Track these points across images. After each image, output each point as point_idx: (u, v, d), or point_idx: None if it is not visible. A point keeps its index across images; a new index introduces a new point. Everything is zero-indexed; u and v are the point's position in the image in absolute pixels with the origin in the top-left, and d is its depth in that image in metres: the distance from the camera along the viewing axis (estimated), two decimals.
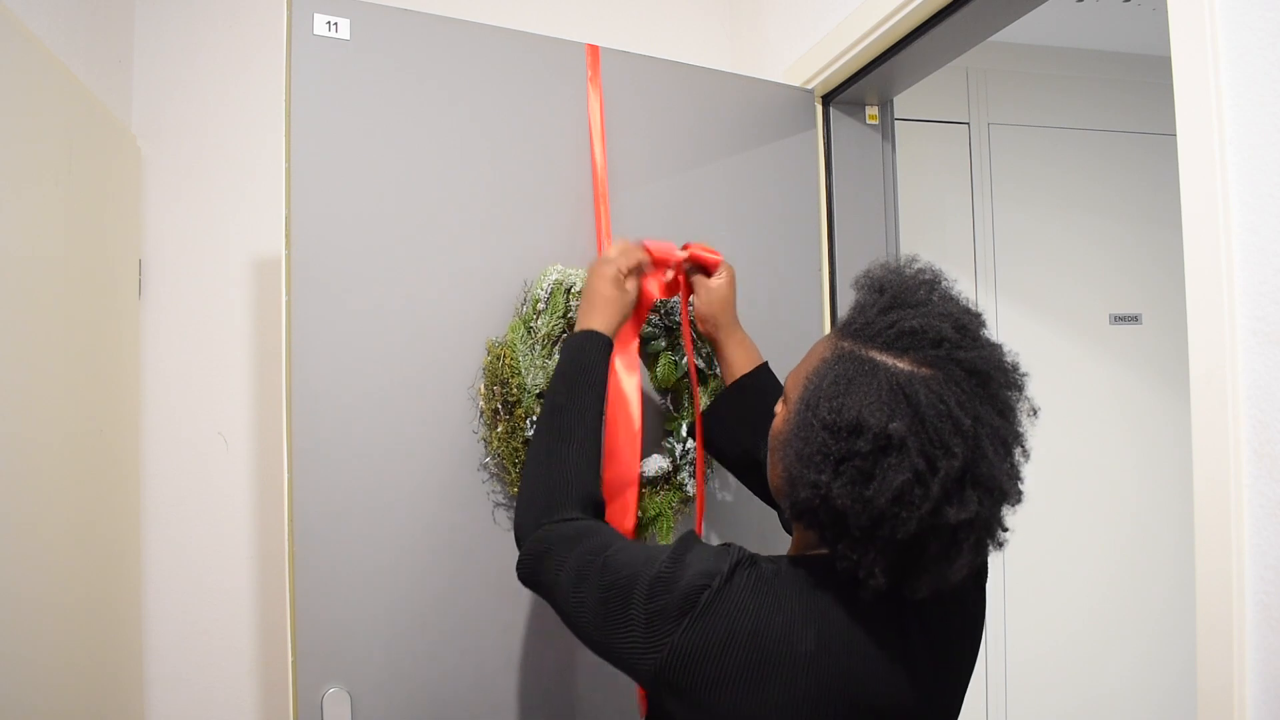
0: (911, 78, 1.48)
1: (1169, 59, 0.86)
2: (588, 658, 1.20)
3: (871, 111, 1.57)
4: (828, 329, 1.49)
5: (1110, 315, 2.29)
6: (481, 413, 1.16)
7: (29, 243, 1.14)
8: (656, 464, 1.22)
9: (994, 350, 0.70)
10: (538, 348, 1.15)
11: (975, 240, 2.19)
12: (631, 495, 1.14)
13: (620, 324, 1.04)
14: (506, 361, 1.14)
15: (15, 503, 1.08)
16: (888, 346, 0.69)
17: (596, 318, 1.02)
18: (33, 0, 1.22)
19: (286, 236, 1.07)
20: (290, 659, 1.04)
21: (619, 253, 1.06)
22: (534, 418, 1.14)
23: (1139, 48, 2.32)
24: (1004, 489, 0.65)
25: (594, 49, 1.29)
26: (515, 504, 0.94)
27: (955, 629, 0.77)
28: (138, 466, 1.57)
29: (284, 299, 1.07)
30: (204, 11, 1.65)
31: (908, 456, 0.63)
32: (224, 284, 1.64)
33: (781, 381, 1.03)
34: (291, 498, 1.06)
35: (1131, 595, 2.26)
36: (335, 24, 1.11)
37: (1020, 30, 1.73)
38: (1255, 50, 0.78)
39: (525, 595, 1.18)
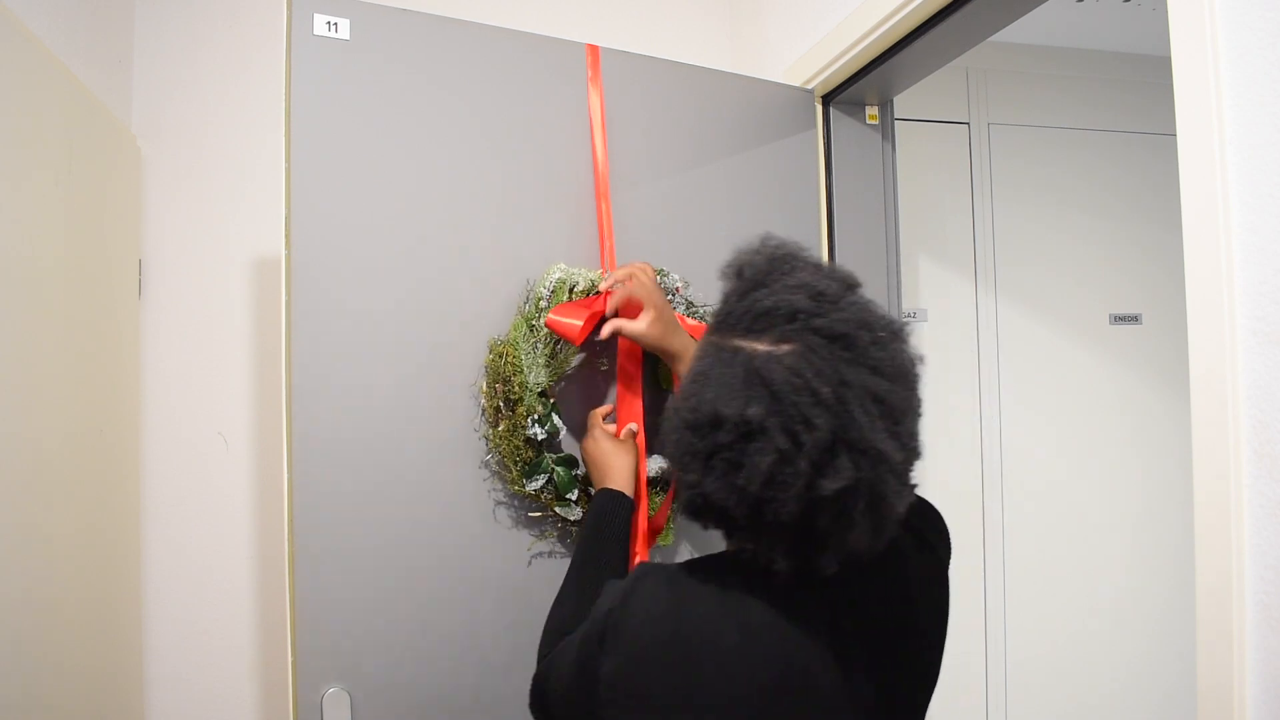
0: (911, 78, 1.48)
1: (1169, 59, 0.86)
2: None
3: (871, 111, 1.57)
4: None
5: (1110, 315, 2.29)
6: (483, 410, 1.16)
7: (29, 243, 1.14)
8: (658, 464, 1.22)
9: (857, 309, 0.68)
10: (540, 346, 1.16)
11: (975, 240, 2.19)
12: (641, 494, 1.15)
13: (632, 467, 1.11)
14: (509, 359, 1.14)
15: (16, 503, 1.08)
16: (747, 331, 0.68)
17: (611, 478, 1.08)
18: (33, 0, 1.22)
19: (286, 236, 1.07)
20: (290, 659, 1.04)
21: (591, 421, 1.17)
22: (535, 416, 1.14)
23: (1139, 48, 2.32)
24: (880, 449, 0.63)
25: (594, 49, 1.29)
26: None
27: (894, 603, 0.76)
28: (138, 466, 1.57)
29: (284, 299, 1.07)
30: (204, 11, 1.65)
31: (770, 438, 0.62)
32: (224, 284, 1.64)
33: None
34: (291, 498, 1.06)
35: (1131, 595, 2.26)
36: (335, 24, 1.11)
37: (1020, 30, 1.73)
38: (1255, 50, 0.78)
39: (525, 595, 1.18)
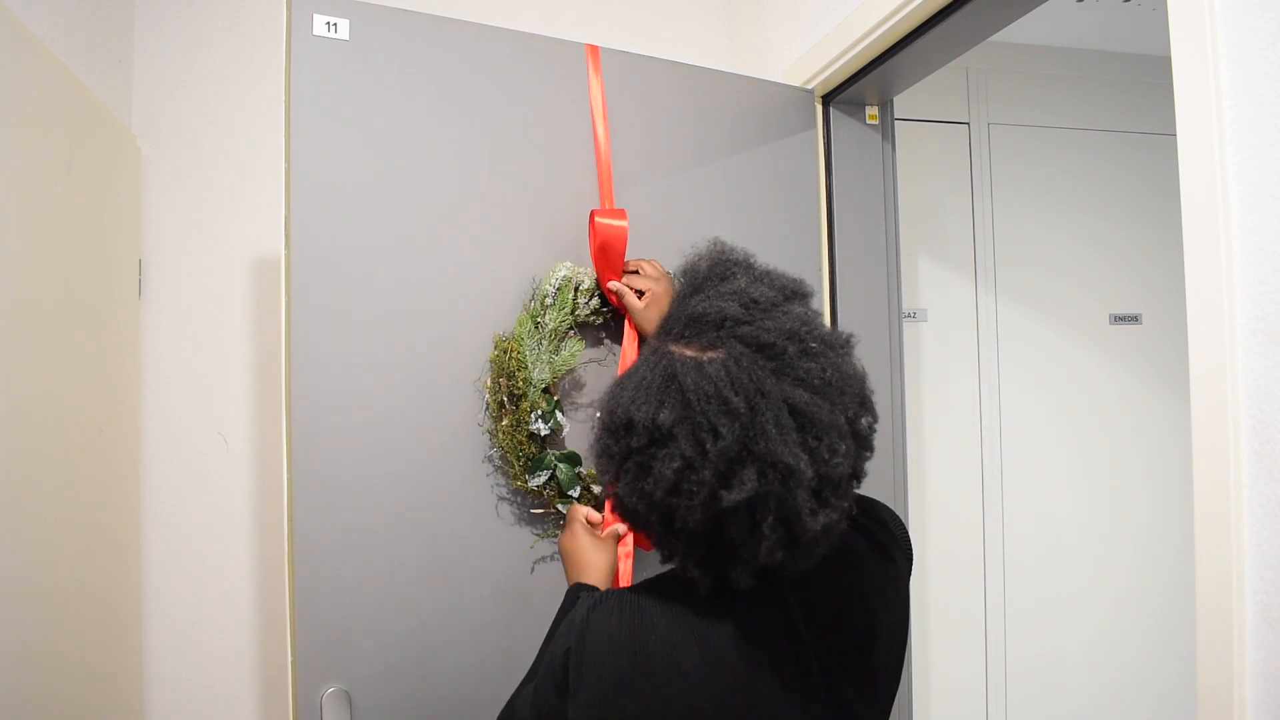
0: (911, 78, 1.48)
1: (1169, 59, 0.86)
2: None
3: (871, 111, 1.57)
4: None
5: (1110, 315, 2.29)
6: (487, 405, 1.17)
7: (29, 243, 1.14)
8: None
9: (791, 319, 0.67)
10: (544, 342, 1.17)
11: (975, 240, 2.19)
12: None
13: (610, 566, 1.01)
14: (514, 355, 1.15)
15: (15, 502, 1.08)
16: (679, 336, 0.69)
17: (586, 574, 0.99)
18: (33, 0, 1.22)
19: (286, 236, 1.07)
20: (290, 659, 1.04)
21: (571, 515, 1.05)
22: (539, 412, 1.14)
23: (1139, 48, 2.32)
24: (789, 465, 0.61)
25: (594, 49, 1.29)
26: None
27: (853, 615, 0.75)
28: (138, 466, 1.57)
29: (284, 299, 1.07)
30: (204, 11, 1.65)
31: (677, 445, 0.62)
32: (224, 284, 1.64)
33: None
34: (291, 498, 1.06)
35: (1131, 595, 2.26)
36: (335, 24, 1.11)
37: (1020, 30, 1.73)
38: (1255, 50, 0.78)
39: (526, 595, 1.18)
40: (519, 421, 1.15)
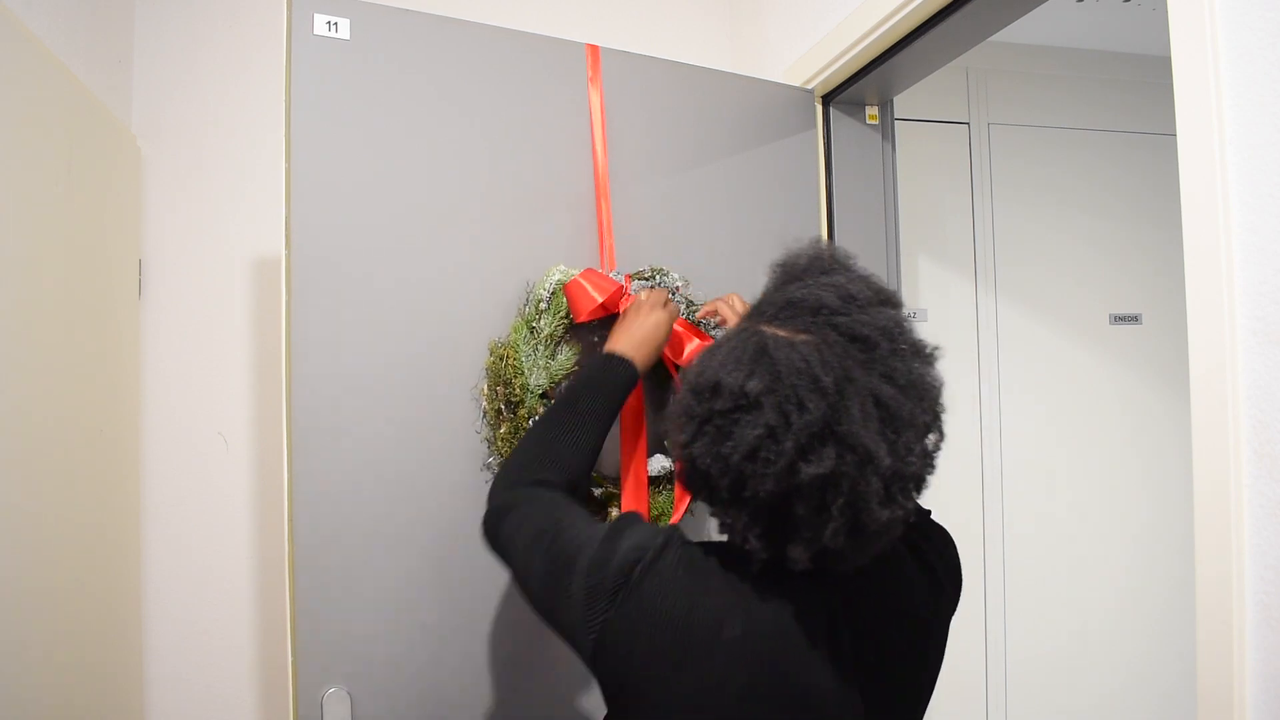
0: (911, 78, 1.48)
1: (1169, 59, 0.86)
2: None
3: (871, 111, 1.57)
4: None
5: (1110, 315, 2.29)
6: (485, 413, 1.16)
7: (29, 243, 1.14)
8: (660, 463, 1.22)
9: (885, 319, 0.69)
10: (540, 348, 1.16)
11: (975, 240, 2.19)
12: (643, 496, 1.15)
13: (654, 353, 1.04)
14: (509, 362, 1.14)
15: (15, 502, 1.08)
16: (773, 319, 0.71)
17: (640, 350, 1.02)
18: (33, 0, 1.22)
19: (286, 236, 1.07)
20: (290, 659, 1.04)
21: (664, 298, 1.09)
22: (536, 418, 1.14)
23: (1139, 48, 2.32)
24: (869, 450, 0.63)
25: (594, 49, 1.29)
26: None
27: (891, 617, 0.76)
28: (138, 466, 1.57)
29: (284, 299, 1.07)
30: (204, 11, 1.65)
31: (762, 413, 0.64)
32: (224, 284, 1.64)
33: None
34: (291, 498, 1.05)
35: (1131, 595, 2.26)
36: (335, 24, 1.11)
37: (1020, 30, 1.73)
38: (1255, 50, 0.78)
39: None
40: (517, 429, 1.14)
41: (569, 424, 0.94)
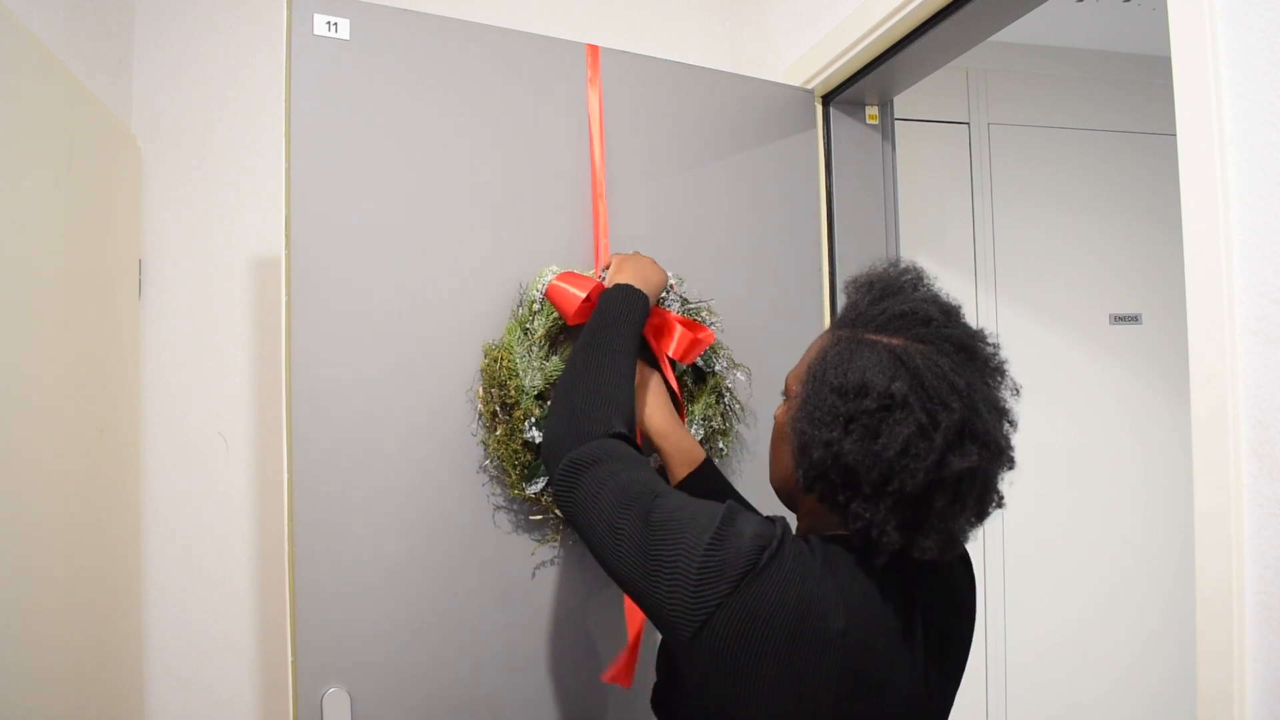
0: (911, 78, 1.48)
1: (1169, 59, 0.86)
2: (587, 657, 1.21)
3: (871, 111, 1.57)
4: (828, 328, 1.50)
5: (1110, 315, 2.29)
6: (480, 415, 1.16)
7: (29, 243, 1.14)
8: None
9: (977, 330, 0.78)
10: (535, 349, 1.15)
11: (975, 240, 2.19)
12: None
13: (656, 293, 1.11)
14: (504, 364, 1.14)
15: (15, 503, 1.07)
16: (881, 329, 0.76)
17: (649, 285, 1.09)
18: (32, 0, 1.22)
19: (286, 236, 1.07)
20: (290, 659, 1.04)
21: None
22: (532, 419, 1.14)
23: (1139, 48, 2.32)
24: (1000, 445, 0.71)
25: (594, 49, 1.29)
26: (548, 419, 0.92)
27: (952, 615, 0.82)
28: (138, 466, 1.57)
29: (284, 299, 1.07)
30: (204, 11, 1.65)
31: (911, 412, 0.69)
32: (224, 284, 1.64)
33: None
34: (291, 498, 1.05)
35: (1131, 594, 2.26)
36: (335, 24, 1.11)
37: (1020, 30, 1.73)
38: (1255, 50, 0.78)
39: (525, 595, 1.18)
40: (513, 430, 1.13)
41: (608, 364, 0.96)
